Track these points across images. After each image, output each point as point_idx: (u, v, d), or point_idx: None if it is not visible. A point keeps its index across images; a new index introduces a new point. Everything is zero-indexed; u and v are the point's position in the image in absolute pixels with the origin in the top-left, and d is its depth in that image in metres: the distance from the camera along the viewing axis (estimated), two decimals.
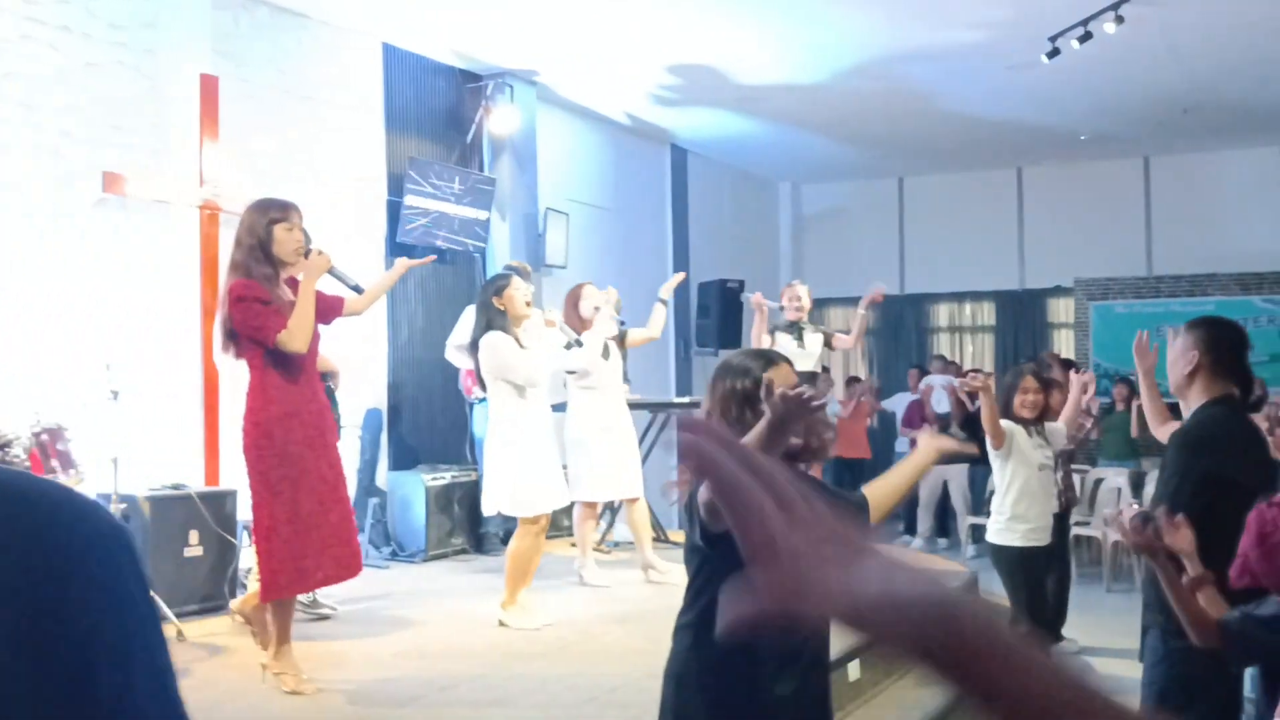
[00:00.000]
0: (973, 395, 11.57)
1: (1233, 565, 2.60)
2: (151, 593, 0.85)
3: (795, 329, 7.80)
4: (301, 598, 5.91)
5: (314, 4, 7.87)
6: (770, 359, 2.70)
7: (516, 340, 5.70)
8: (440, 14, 8.23)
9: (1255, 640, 2.60)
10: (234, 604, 5.36)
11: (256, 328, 4.45)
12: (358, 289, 4.93)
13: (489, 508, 5.91)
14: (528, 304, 5.77)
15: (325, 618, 6.07)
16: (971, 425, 11.36)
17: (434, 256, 6.34)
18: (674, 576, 6.80)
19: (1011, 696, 0.68)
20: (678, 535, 8.04)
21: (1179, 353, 3.50)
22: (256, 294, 4.47)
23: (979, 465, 10.97)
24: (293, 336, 4.47)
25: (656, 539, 8.28)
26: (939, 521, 11.48)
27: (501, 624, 5.77)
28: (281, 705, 4.48)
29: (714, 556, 2.47)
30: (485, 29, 8.58)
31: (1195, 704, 3.16)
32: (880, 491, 2.77)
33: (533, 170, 9.87)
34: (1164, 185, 13.29)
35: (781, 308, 7.86)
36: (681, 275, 7.83)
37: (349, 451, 8.29)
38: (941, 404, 11.47)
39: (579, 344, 6.32)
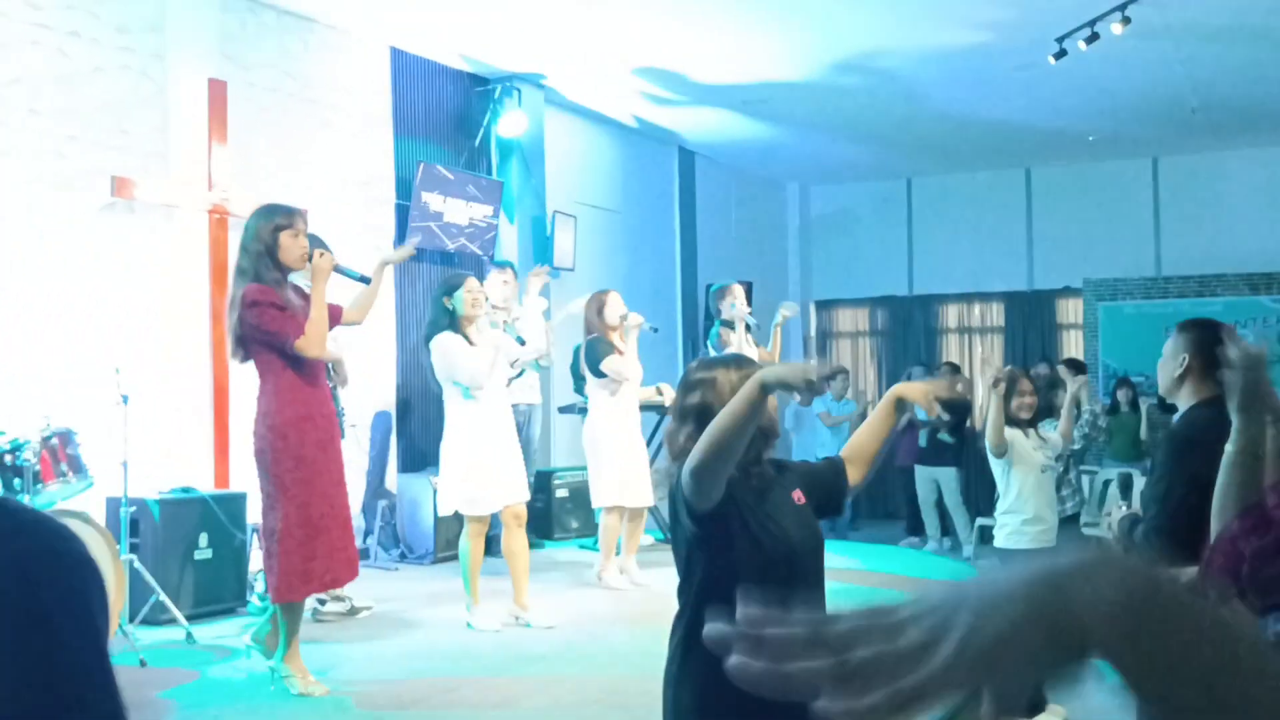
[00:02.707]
0: (954, 403, 11.54)
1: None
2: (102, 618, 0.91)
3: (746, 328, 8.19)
4: (335, 605, 5.96)
5: (321, 8, 7.90)
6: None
7: (466, 339, 5.76)
8: (447, 18, 8.25)
9: None
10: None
11: (274, 333, 4.52)
12: (365, 280, 5.01)
13: (444, 508, 5.97)
14: (475, 304, 5.82)
15: (355, 613, 6.10)
16: (958, 430, 11.38)
17: (416, 241, 6.07)
18: (630, 586, 6.94)
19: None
20: None
21: (1169, 355, 3.50)
22: (271, 299, 4.54)
23: (967, 466, 11.03)
24: (310, 342, 4.55)
25: (665, 541, 8.32)
26: (941, 521, 11.47)
27: (469, 625, 5.83)
28: (290, 707, 4.50)
29: (702, 537, 2.52)
30: (492, 33, 8.60)
31: None
32: (857, 444, 2.89)
33: (540, 173, 9.89)
34: (1172, 186, 13.26)
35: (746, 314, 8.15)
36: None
37: (358, 453, 8.33)
38: (922, 412, 11.41)
39: (521, 342, 6.45)
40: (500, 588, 6.08)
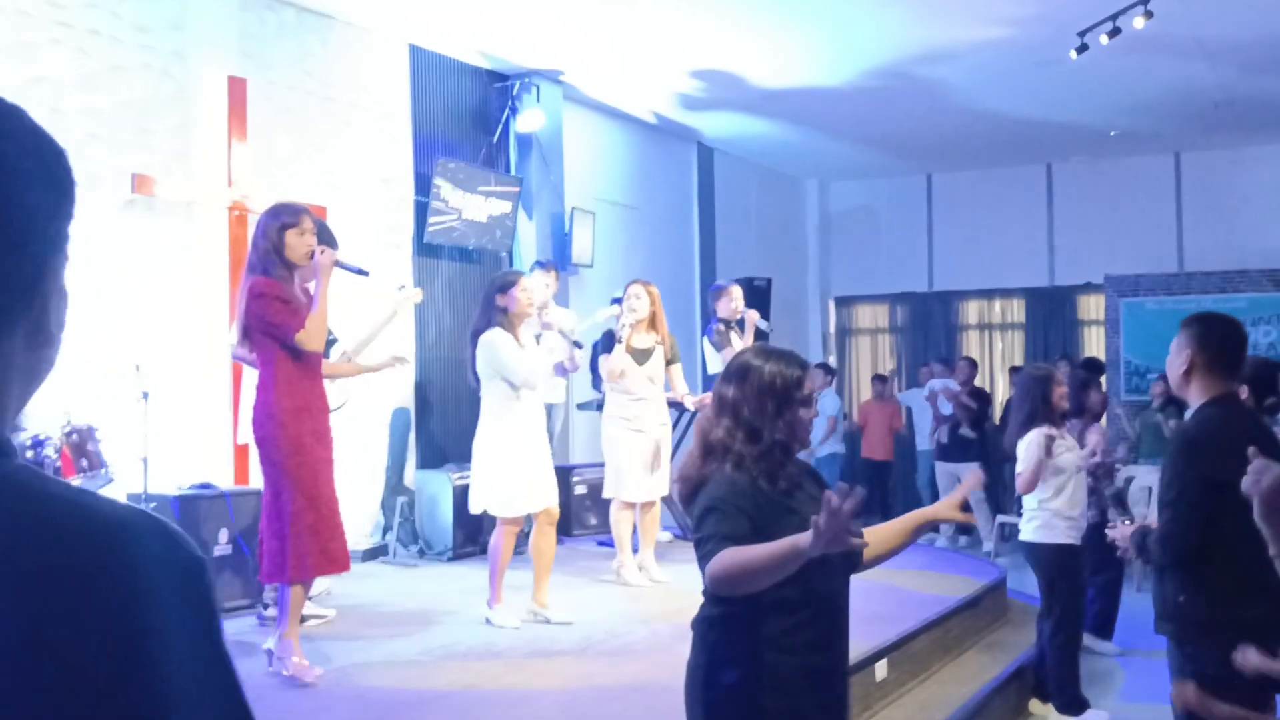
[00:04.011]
0: (976, 396, 11.57)
1: None
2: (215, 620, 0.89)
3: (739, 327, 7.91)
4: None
5: (340, 5, 7.91)
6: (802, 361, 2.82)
7: (516, 339, 5.75)
8: (466, 15, 8.25)
9: None
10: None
11: (276, 325, 4.67)
12: (363, 273, 5.11)
13: (475, 506, 5.95)
14: (530, 305, 5.81)
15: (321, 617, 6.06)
16: (980, 424, 11.36)
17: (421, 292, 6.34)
18: (649, 583, 6.90)
19: None
20: None
21: (1174, 352, 3.47)
22: (277, 292, 4.70)
23: (989, 462, 10.99)
24: (310, 336, 4.70)
25: (682, 538, 8.32)
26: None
27: (488, 622, 5.82)
28: (309, 705, 4.51)
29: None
30: (511, 29, 8.60)
31: (1217, 699, 3.15)
32: (878, 538, 2.86)
33: (559, 169, 9.89)
34: (1195, 181, 13.18)
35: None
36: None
37: (377, 450, 8.35)
38: (945, 407, 11.44)
39: (578, 346, 6.40)
40: (521, 583, 6.08)
